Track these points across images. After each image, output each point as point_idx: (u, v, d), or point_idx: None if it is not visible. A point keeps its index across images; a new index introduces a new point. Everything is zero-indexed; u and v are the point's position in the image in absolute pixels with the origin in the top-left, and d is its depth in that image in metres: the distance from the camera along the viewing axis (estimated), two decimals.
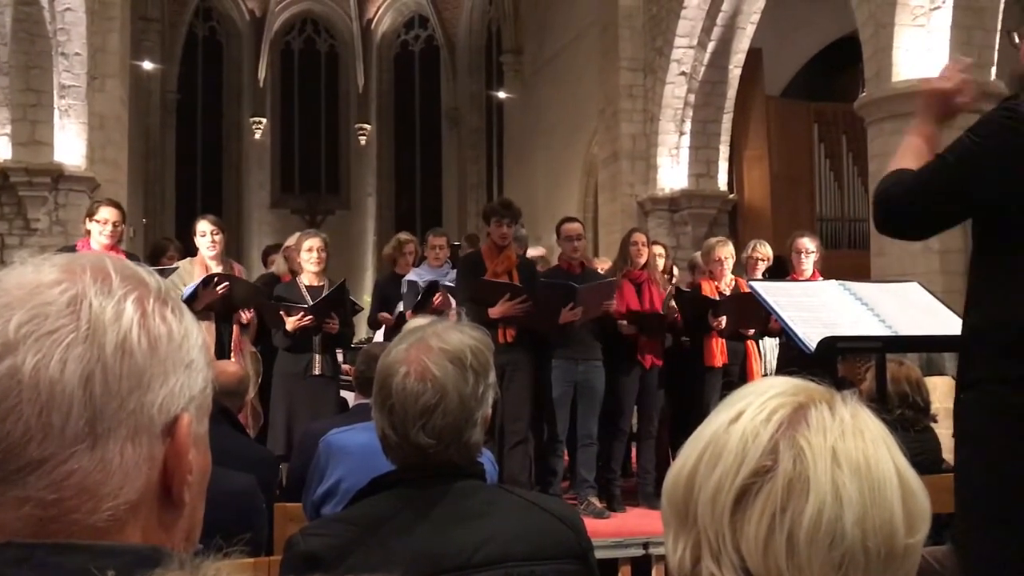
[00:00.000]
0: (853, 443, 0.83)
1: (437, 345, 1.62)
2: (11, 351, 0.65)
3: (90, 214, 5.32)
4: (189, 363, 0.72)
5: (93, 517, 0.66)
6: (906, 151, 2.23)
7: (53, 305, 0.67)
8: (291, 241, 6.52)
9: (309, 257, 5.67)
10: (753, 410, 0.85)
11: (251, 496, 2.96)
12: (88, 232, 5.27)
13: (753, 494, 0.81)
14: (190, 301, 5.10)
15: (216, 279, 5.33)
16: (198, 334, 0.74)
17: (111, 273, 0.70)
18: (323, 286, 5.68)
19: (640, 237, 6.26)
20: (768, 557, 0.80)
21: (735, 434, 0.84)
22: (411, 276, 6.49)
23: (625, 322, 5.92)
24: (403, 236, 7.36)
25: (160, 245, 7.41)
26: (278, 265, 6.83)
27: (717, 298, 6.19)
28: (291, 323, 5.43)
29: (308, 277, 5.71)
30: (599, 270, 6.69)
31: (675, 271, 7.75)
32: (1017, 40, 2.18)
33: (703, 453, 0.86)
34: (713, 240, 6.67)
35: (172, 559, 0.61)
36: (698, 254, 7.48)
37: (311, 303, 5.50)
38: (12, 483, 0.65)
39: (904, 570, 0.82)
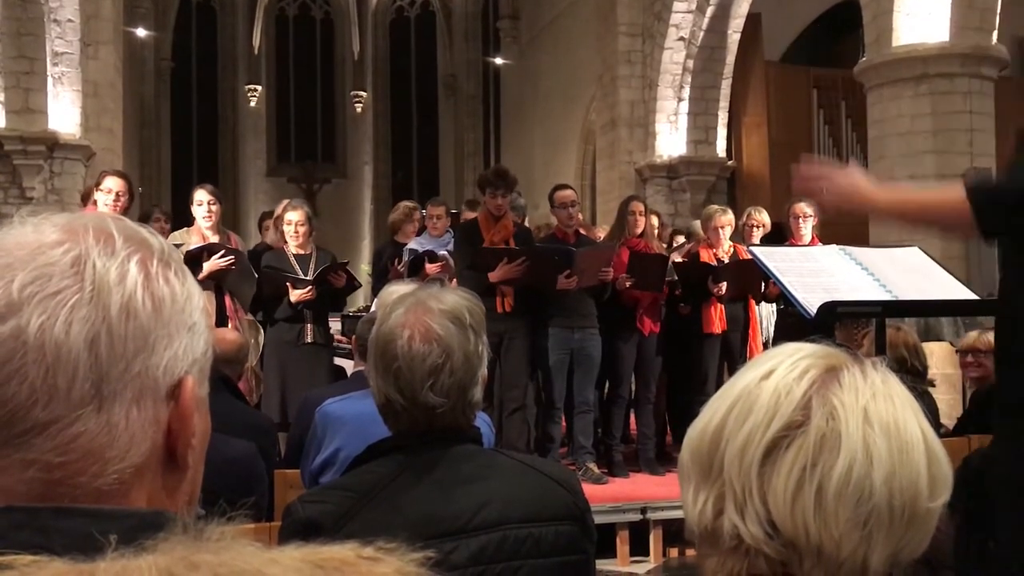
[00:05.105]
0: (884, 405, 0.84)
1: (436, 306, 1.63)
2: (15, 312, 0.64)
3: (96, 183, 5.42)
4: (192, 325, 0.71)
5: (99, 480, 0.66)
6: (905, 193, 2.14)
7: (56, 266, 0.66)
8: (279, 210, 6.50)
9: (289, 230, 5.67)
10: (785, 368, 0.86)
11: (251, 462, 2.97)
12: (95, 202, 5.33)
13: (783, 448, 0.82)
14: (194, 264, 5.13)
15: (223, 252, 5.35)
16: (200, 296, 0.74)
17: (114, 234, 0.69)
18: (311, 254, 5.68)
19: (638, 206, 6.25)
20: (796, 510, 0.81)
21: (767, 389, 0.85)
22: (412, 245, 6.51)
23: (623, 275, 5.89)
24: (411, 204, 7.34)
25: (145, 212, 7.40)
26: (270, 234, 6.82)
27: (715, 264, 6.20)
28: (295, 296, 5.45)
29: (295, 247, 5.70)
30: (598, 237, 6.69)
31: (680, 240, 7.72)
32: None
33: (732, 407, 0.86)
34: (713, 208, 6.65)
35: (175, 523, 0.61)
36: (696, 222, 7.46)
37: (299, 272, 5.53)
38: (17, 446, 0.64)
39: (922, 533, 0.84)
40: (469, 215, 7.19)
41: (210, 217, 5.51)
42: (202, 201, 5.52)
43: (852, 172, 2.09)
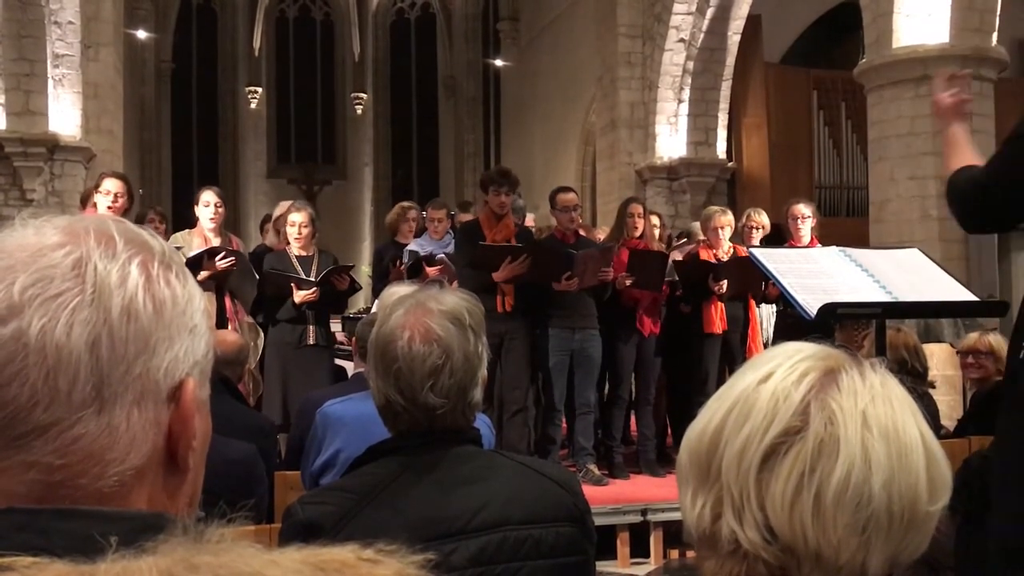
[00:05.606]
0: (883, 408, 0.83)
1: (436, 307, 1.63)
2: (17, 314, 0.64)
3: (96, 185, 5.45)
4: (193, 328, 0.71)
5: (99, 483, 0.66)
6: (955, 145, 2.36)
7: (58, 268, 0.66)
8: (279, 211, 6.50)
9: (292, 232, 5.67)
10: (783, 371, 0.86)
11: (252, 464, 2.97)
12: (94, 204, 5.35)
13: (781, 453, 0.82)
14: (194, 269, 5.12)
15: (224, 254, 5.35)
16: (201, 299, 0.74)
17: (115, 236, 0.69)
18: (312, 256, 5.67)
19: (637, 208, 6.25)
20: (794, 516, 0.80)
21: (765, 393, 0.84)
22: (412, 246, 6.51)
23: (623, 274, 5.89)
24: (406, 203, 7.35)
25: (140, 213, 7.40)
26: (270, 236, 6.81)
27: (716, 263, 6.20)
28: (299, 296, 5.45)
29: (297, 249, 5.70)
30: (598, 239, 6.69)
31: (682, 242, 7.72)
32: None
33: (731, 410, 0.85)
34: (713, 208, 6.66)
35: (176, 525, 0.61)
36: (695, 224, 7.47)
37: (301, 273, 5.52)
38: (18, 448, 0.64)
39: (921, 536, 0.83)
40: (463, 217, 7.18)
41: (215, 219, 5.53)
42: (209, 202, 5.54)
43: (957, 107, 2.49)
